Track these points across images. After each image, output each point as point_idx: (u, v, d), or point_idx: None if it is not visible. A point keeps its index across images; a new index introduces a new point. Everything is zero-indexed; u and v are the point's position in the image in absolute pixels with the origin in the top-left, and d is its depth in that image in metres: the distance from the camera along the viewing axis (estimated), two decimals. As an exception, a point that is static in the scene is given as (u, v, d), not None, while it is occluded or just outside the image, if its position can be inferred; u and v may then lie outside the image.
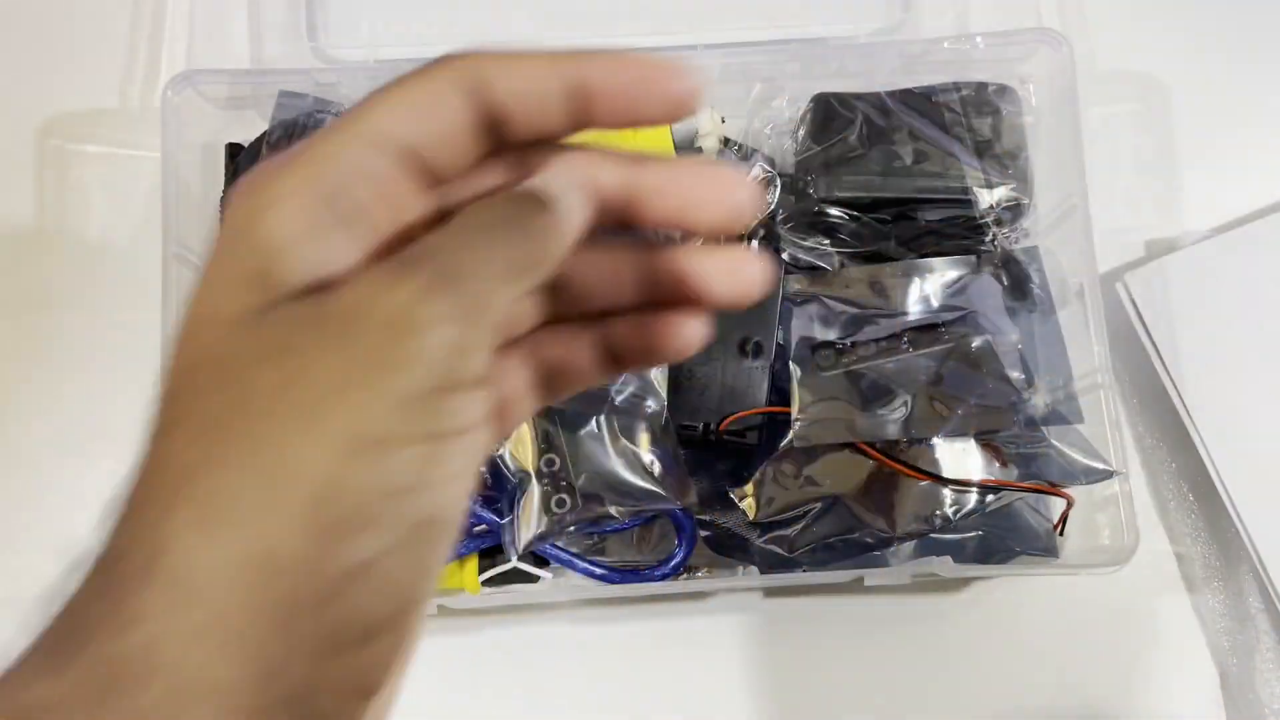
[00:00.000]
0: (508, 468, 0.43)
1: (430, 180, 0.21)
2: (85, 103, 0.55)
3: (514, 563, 0.46)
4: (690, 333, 0.24)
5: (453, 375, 0.18)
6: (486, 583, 0.47)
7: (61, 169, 0.54)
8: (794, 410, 0.46)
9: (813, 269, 0.49)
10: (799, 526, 0.46)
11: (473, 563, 0.47)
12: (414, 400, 0.18)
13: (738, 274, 0.23)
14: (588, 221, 0.21)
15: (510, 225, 0.20)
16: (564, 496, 0.42)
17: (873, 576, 0.48)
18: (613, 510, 0.43)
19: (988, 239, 0.49)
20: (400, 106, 0.20)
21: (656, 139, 0.49)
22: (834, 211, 0.49)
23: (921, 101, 0.50)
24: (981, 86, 0.50)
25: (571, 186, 0.21)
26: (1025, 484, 0.47)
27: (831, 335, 0.48)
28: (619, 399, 0.45)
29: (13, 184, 0.54)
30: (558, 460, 0.42)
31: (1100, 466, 0.46)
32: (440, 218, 0.21)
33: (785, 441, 0.45)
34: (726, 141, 0.51)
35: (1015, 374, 0.47)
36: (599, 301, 0.24)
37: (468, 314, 0.18)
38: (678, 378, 0.47)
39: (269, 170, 0.20)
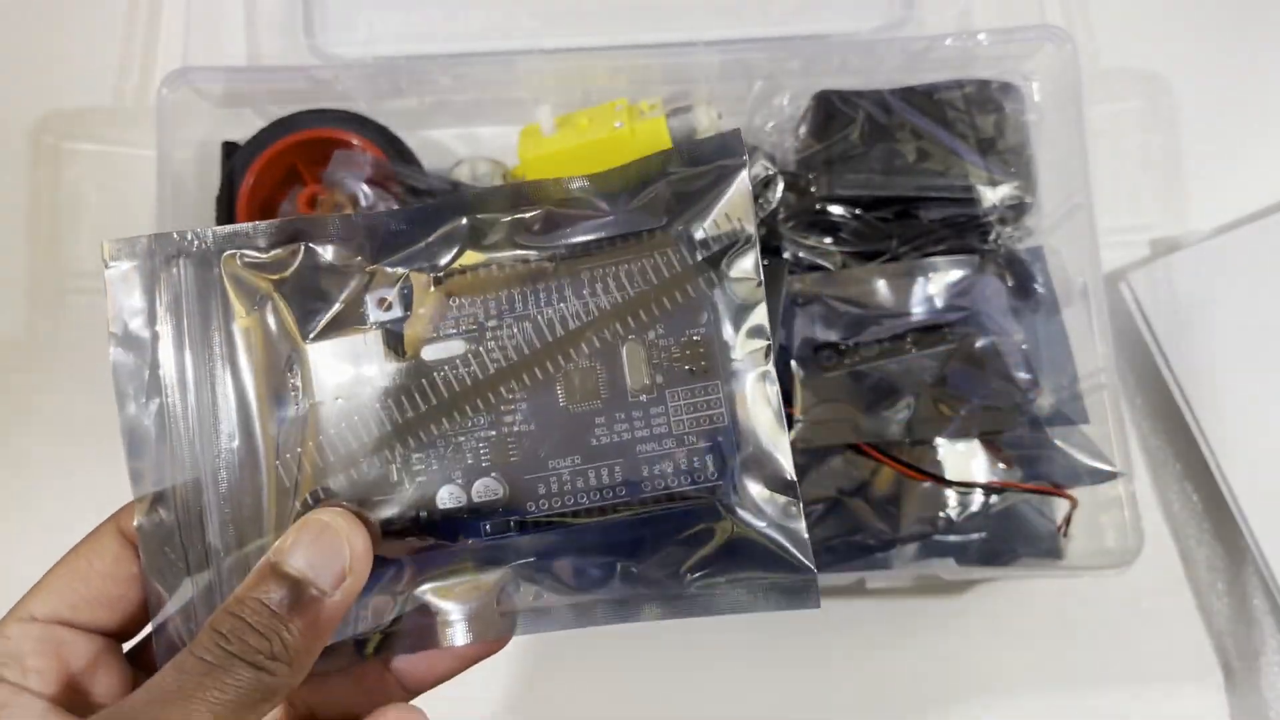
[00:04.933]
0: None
1: (107, 634, 0.26)
2: (80, 100, 0.54)
3: (513, 565, 0.45)
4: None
5: None
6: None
7: (56, 167, 0.53)
8: (796, 411, 0.45)
9: (814, 268, 0.49)
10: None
11: (471, 565, 0.46)
12: None
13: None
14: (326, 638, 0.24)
15: (218, 672, 0.23)
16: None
17: (875, 579, 0.47)
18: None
19: (991, 237, 0.49)
20: (52, 581, 0.26)
21: (652, 134, 0.49)
22: (836, 210, 0.49)
23: (924, 99, 0.49)
24: (984, 84, 0.50)
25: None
26: (1029, 485, 0.47)
27: (834, 336, 0.47)
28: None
29: (7, 182, 0.53)
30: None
31: (1104, 468, 0.46)
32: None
33: (787, 443, 0.44)
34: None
35: (1019, 374, 0.46)
36: (348, 714, 0.27)
37: None
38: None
39: None
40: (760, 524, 0.27)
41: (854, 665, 0.50)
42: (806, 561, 0.27)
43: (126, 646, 0.27)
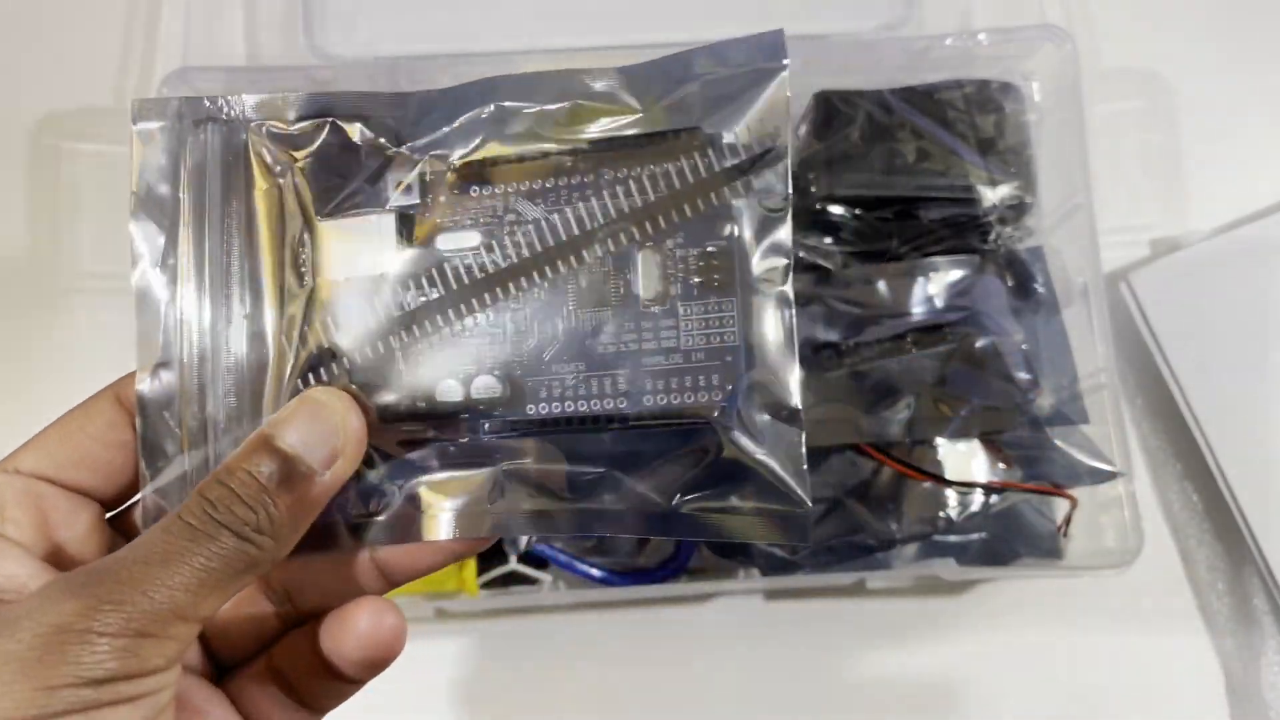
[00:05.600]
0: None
1: (92, 495, 0.26)
2: (79, 100, 0.54)
3: (513, 565, 0.45)
4: (377, 620, 0.26)
5: (121, 672, 0.21)
6: (485, 585, 0.46)
7: (55, 167, 0.53)
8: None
9: (815, 268, 0.49)
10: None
11: (471, 565, 0.46)
12: (68, 688, 0.20)
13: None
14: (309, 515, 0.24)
15: (204, 538, 0.23)
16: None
17: (875, 579, 0.47)
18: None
19: (991, 237, 0.49)
20: (43, 439, 0.26)
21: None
22: (836, 210, 0.48)
23: (924, 99, 0.49)
24: (985, 84, 0.50)
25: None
26: (1029, 485, 0.46)
27: (834, 336, 0.47)
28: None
29: (6, 182, 0.53)
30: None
31: (1104, 467, 0.46)
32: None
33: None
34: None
35: (1020, 374, 0.46)
36: (325, 602, 0.27)
37: (143, 626, 0.21)
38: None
39: None
40: (759, 451, 0.26)
41: (853, 665, 0.50)
42: (802, 494, 0.25)
43: (110, 515, 0.28)
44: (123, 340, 0.51)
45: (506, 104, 0.27)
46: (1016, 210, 0.49)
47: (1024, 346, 0.47)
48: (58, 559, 0.26)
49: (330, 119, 0.27)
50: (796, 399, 0.26)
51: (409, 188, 0.27)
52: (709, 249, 0.26)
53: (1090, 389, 0.47)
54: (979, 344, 0.47)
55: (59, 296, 0.52)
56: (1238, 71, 0.56)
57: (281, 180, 0.27)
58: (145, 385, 0.26)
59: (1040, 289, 0.48)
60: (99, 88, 0.54)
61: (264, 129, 0.27)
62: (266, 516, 0.23)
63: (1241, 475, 0.49)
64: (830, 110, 0.49)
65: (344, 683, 0.27)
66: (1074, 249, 0.48)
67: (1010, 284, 0.48)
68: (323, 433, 0.25)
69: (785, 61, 0.25)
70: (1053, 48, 0.49)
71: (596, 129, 0.27)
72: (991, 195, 0.48)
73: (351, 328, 0.27)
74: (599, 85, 0.27)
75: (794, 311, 0.26)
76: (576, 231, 0.26)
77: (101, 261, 0.53)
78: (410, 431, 0.27)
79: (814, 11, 0.53)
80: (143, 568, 0.22)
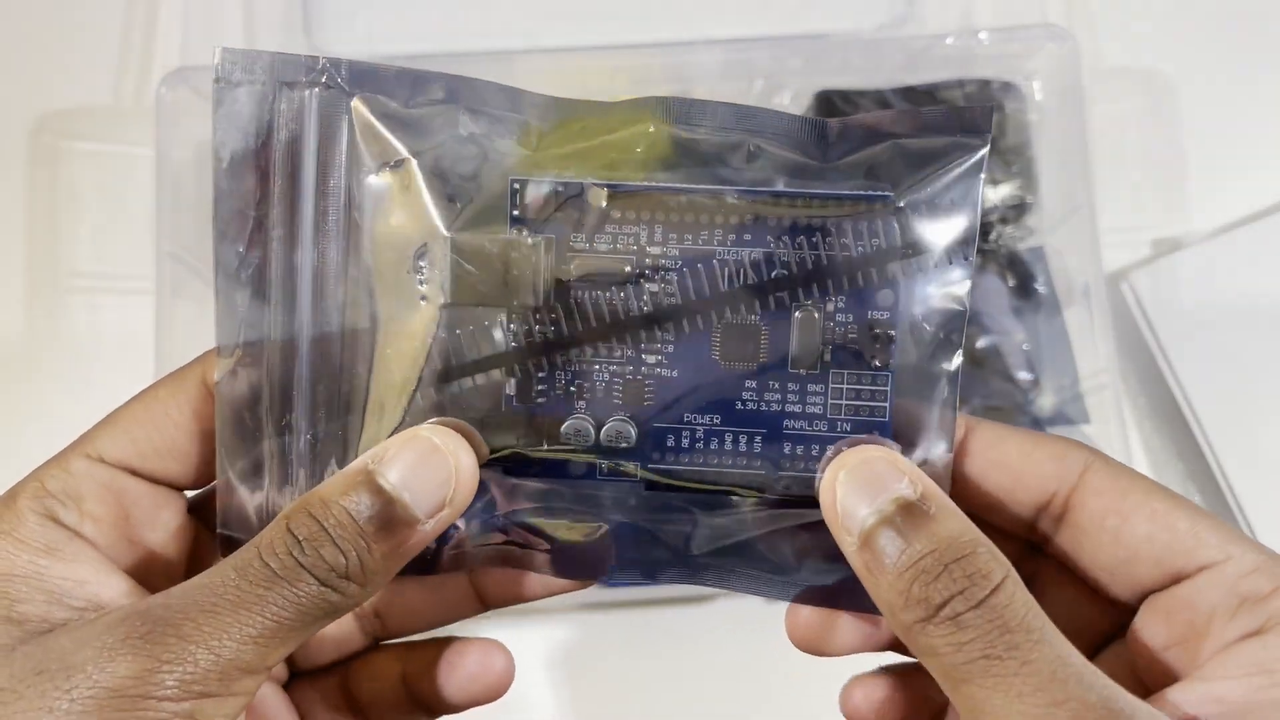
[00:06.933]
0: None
1: (173, 486, 0.24)
2: (78, 99, 0.54)
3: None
4: (486, 661, 0.26)
5: None
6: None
7: (53, 167, 0.53)
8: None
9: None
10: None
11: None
12: None
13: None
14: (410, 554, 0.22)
15: (283, 584, 0.20)
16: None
17: (876, 579, 0.47)
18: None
19: (992, 237, 0.49)
20: (126, 422, 0.24)
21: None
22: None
23: (925, 98, 0.49)
24: (985, 83, 0.50)
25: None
26: (1030, 486, 0.46)
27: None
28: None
29: (4, 182, 0.53)
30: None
31: (1106, 468, 0.46)
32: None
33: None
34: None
35: (1021, 374, 0.46)
36: (413, 622, 0.27)
37: (206, 686, 0.19)
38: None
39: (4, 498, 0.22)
40: None
41: (853, 664, 0.50)
42: None
43: (192, 498, 0.26)
44: (121, 340, 0.51)
45: (676, 130, 0.24)
46: (1018, 210, 0.49)
47: (1025, 346, 0.47)
48: (137, 559, 0.24)
49: (456, 106, 0.24)
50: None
51: (546, 204, 0.24)
52: (873, 318, 0.24)
53: (1091, 389, 0.47)
54: (980, 344, 0.47)
55: (57, 295, 0.52)
56: (1239, 71, 0.56)
57: (396, 172, 0.24)
58: (225, 379, 0.24)
59: (1041, 289, 0.48)
60: (98, 87, 0.54)
61: (372, 105, 0.24)
62: (358, 562, 0.21)
63: (1243, 476, 0.49)
64: (831, 110, 0.49)
65: (423, 714, 0.26)
66: (1075, 248, 0.48)
67: (1011, 284, 0.48)
68: (434, 480, 0.22)
69: (988, 141, 0.24)
70: (1054, 47, 0.49)
71: (771, 173, 0.24)
72: (993, 195, 0.48)
73: (472, 353, 0.24)
74: (781, 128, 0.24)
75: (955, 406, 0.24)
76: (732, 279, 0.24)
77: (100, 261, 0.52)
78: (525, 470, 0.25)
79: (814, 11, 0.53)
80: (210, 618, 0.20)
